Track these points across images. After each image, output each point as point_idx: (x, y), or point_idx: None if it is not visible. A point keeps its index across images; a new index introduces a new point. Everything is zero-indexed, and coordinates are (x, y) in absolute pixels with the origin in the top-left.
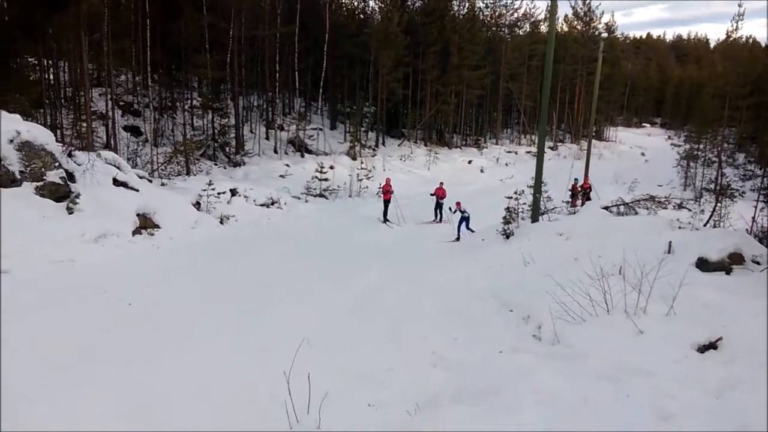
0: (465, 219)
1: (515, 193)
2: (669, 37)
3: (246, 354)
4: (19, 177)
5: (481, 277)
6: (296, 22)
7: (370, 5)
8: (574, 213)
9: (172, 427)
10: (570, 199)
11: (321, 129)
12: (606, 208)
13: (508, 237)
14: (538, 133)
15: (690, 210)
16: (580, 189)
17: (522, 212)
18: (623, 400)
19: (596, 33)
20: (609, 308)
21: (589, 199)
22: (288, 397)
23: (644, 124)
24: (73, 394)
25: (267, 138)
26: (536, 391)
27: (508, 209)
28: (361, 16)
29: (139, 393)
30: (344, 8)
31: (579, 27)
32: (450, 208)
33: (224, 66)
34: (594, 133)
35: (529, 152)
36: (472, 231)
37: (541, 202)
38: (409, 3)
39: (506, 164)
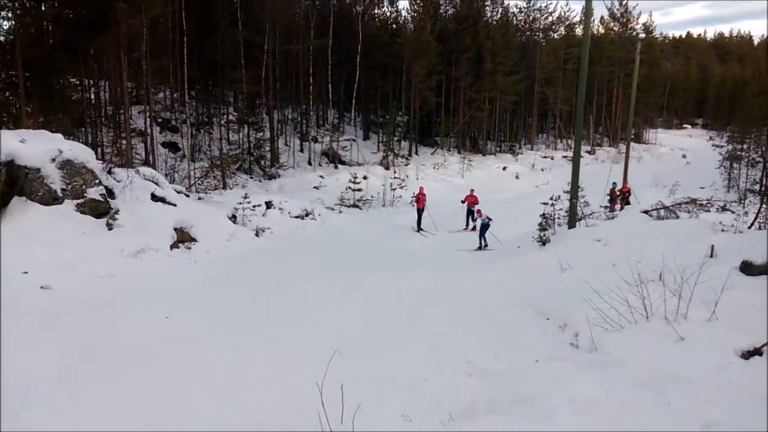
0: (486, 227)
1: (551, 198)
2: (710, 35)
3: (279, 364)
4: (60, 195)
5: (517, 284)
6: (329, 35)
7: (403, 15)
8: (613, 218)
9: None
10: (608, 204)
11: (354, 140)
12: (646, 212)
13: (544, 244)
14: (574, 137)
15: (733, 212)
16: (618, 193)
17: (558, 218)
18: (663, 408)
19: (633, 34)
20: (648, 315)
21: (628, 203)
22: (321, 408)
23: (685, 126)
24: (108, 398)
25: (301, 150)
26: (573, 399)
27: (543, 215)
28: (394, 26)
29: (168, 399)
30: (377, 19)
31: (616, 28)
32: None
33: (259, 80)
34: (632, 136)
35: (565, 157)
36: (485, 242)
37: (578, 208)
38: (442, 11)
39: (542, 170)
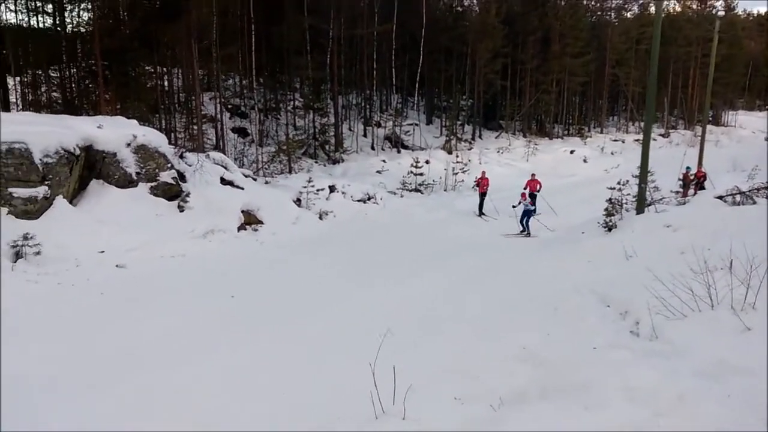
0: (529, 212)
1: (618, 183)
2: None
3: (334, 343)
4: (135, 178)
5: (580, 270)
6: (393, 19)
7: None
8: (684, 204)
9: (265, 405)
10: (681, 189)
11: (417, 124)
12: (720, 197)
13: (610, 229)
14: (644, 120)
15: None
16: (693, 178)
17: (626, 203)
18: (723, 400)
19: (713, 12)
20: (713, 304)
21: (703, 188)
22: (373, 387)
23: None
24: (174, 371)
25: (365, 135)
26: (629, 387)
27: (610, 200)
28: (459, 9)
29: (229, 374)
30: (441, 2)
31: (693, 6)
32: (515, 204)
33: (324, 66)
34: (710, 119)
35: (637, 140)
36: (526, 228)
37: (648, 193)
38: None
39: (612, 153)
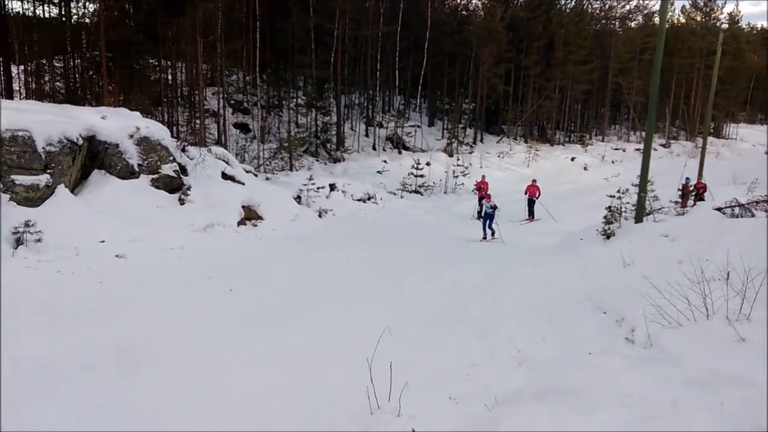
0: (489, 216)
1: (618, 191)
2: None
3: (329, 340)
4: (137, 169)
5: (577, 277)
6: (398, 21)
7: (473, 2)
8: (683, 214)
9: (263, 398)
10: (680, 200)
11: (419, 126)
12: (719, 209)
13: (608, 237)
14: (646, 129)
15: None
16: (692, 189)
17: (625, 212)
18: (716, 408)
19: (717, 24)
20: (709, 314)
21: (702, 200)
22: (370, 384)
23: None
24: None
25: (366, 135)
26: (623, 393)
27: (609, 208)
28: (463, 12)
29: (227, 367)
30: (446, 6)
31: (698, 18)
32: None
33: (328, 65)
34: (711, 130)
35: (638, 150)
36: (493, 232)
37: (647, 202)
38: None
39: (612, 162)
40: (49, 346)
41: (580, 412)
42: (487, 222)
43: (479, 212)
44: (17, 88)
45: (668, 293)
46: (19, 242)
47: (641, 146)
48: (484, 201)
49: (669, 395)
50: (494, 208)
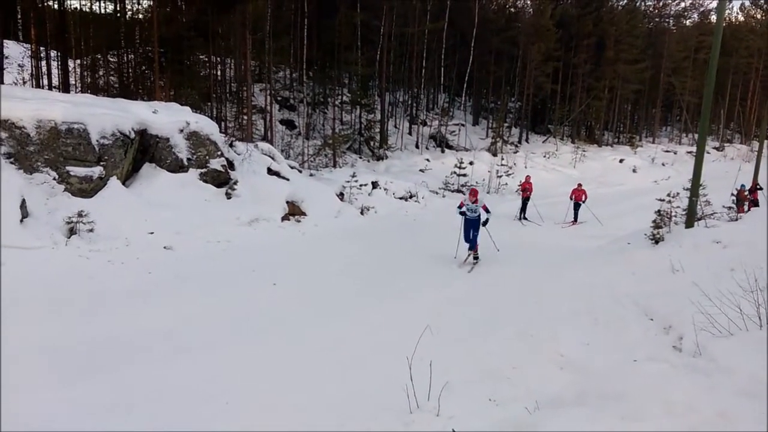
0: (472, 223)
1: (668, 195)
2: None
3: (369, 337)
4: (186, 163)
5: (623, 282)
6: (445, 18)
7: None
8: (736, 220)
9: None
10: (734, 205)
11: (463, 124)
12: None
13: (657, 242)
14: (699, 131)
15: None
16: (747, 195)
17: (675, 216)
18: (764, 420)
19: None
20: (762, 323)
21: (756, 205)
22: (409, 382)
23: None
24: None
25: (410, 133)
26: (668, 401)
27: (659, 212)
28: (512, 10)
29: (265, 361)
30: (494, 3)
31: (758, 16)
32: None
33: (373, 63)
34: None
35: (690, 152)
36: (473, 246)
37: (698, 207)
38: None
39: (663, 164)
40: (113, 327)
41: (623, 419)
42: (470, 233)
43: (522, 212)
44: (73, 82)
45: (719, 301)
46: (72, 232)
47: (693, 149)
48: (467, 200)
49: (717, 405)
50: (485, 210)
